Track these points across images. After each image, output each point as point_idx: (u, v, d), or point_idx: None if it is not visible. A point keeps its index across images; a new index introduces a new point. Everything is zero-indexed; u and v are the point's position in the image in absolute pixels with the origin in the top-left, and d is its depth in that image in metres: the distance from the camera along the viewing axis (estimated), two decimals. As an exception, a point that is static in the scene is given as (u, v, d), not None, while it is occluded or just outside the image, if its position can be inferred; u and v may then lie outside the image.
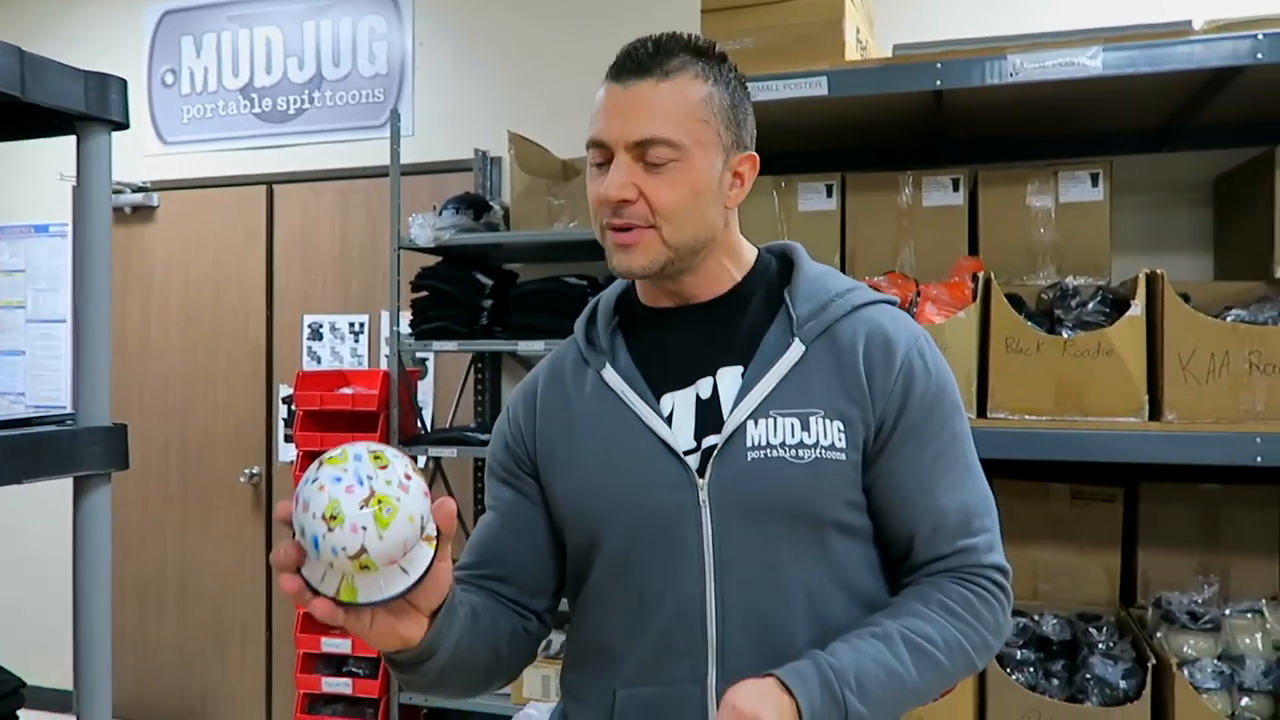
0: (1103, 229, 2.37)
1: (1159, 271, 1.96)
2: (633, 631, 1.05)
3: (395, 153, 2.94)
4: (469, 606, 1.04)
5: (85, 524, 1.17)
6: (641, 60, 1.04)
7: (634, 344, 1.13)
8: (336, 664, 3.01)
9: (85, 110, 1.15)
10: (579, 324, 1.18)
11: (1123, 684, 1.97)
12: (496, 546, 1.13)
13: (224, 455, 3.77)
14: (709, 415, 1.06)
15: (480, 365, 3.35)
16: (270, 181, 3.75)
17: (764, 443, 1.02)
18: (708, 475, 1.03)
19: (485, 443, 2.85)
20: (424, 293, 2.94)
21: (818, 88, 2.12)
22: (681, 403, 1.07)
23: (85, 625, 1.15)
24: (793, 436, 1.02)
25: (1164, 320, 1.92)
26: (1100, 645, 2.08)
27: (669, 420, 1.06)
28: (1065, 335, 2.00)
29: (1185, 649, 2.01)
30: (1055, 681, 2.04)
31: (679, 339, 1.10)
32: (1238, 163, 2.49)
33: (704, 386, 1.07)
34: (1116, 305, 2.07)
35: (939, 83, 2.06)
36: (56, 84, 1.11)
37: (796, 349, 1.06)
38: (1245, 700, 1.91)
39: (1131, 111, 2.42)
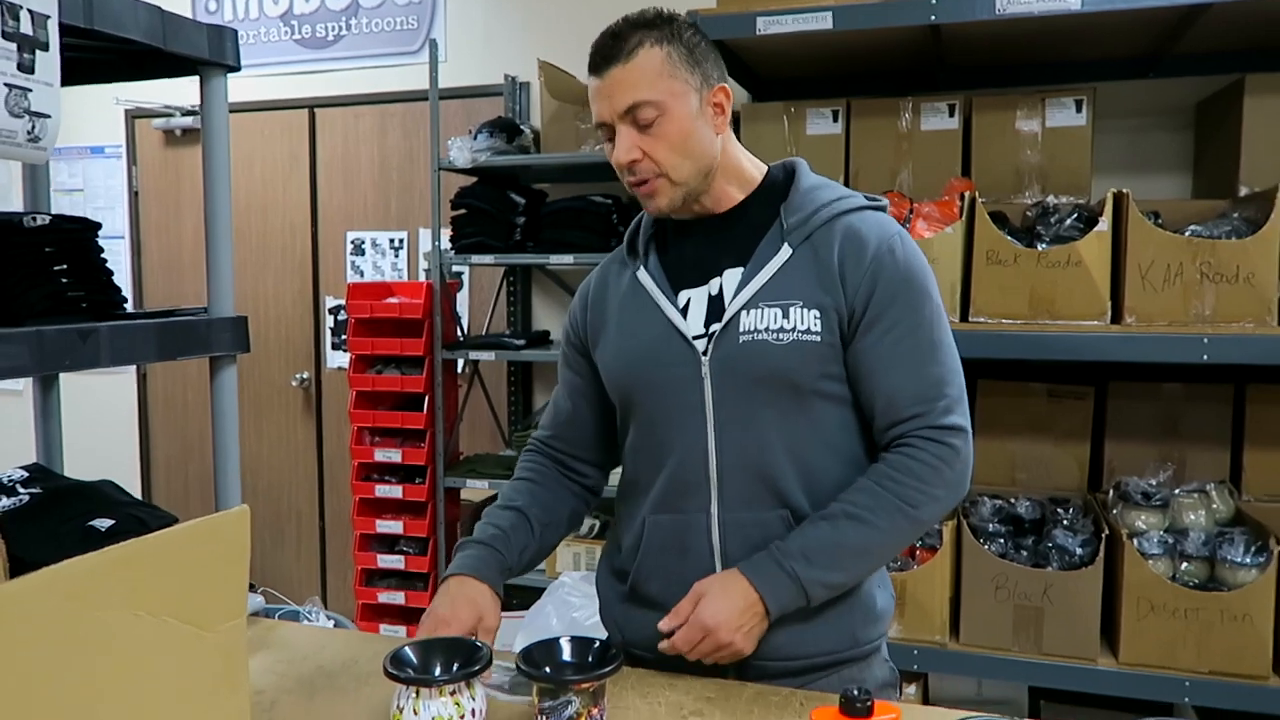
0: (1085, 152, 2.58)
1: (1125, 191, 2.19)
2: (655, 472, 1.35)
3: (434, 79, 3.16)
4: (530, 525, 1.42)
5: (219, 394, 1.46)
6: (606, 52, 1.28)
7: (663, 251, 1.41)
8: (390, 543, 3.37)
9: (208, 57, 1.41)
10: (626, 235, 1.47)
11: (1080, 551, 2.27)
12: (565, 421, 1.48)
13: (277, 362, 4.09)
14: (716, 307, 1.33)
15: (512, 279, 3.62)
16: (312, 106, 3.98)
17: (753, 328, 1.28)
18: (709, 354, 1.31)
19: (519, 347, 3.16)
20: (462, 210, 3.19)
21: (823, 22, 2.32)
22: (696, 297, 1.35)
23: (221, 471, 1.45)
24: (775, 323, 1.27)
25: (1127, 235, 2.16)
26: (1065, 522, 2.37)
27: (685, 311, 1.34)
28: (1040, 248, 2.24)
29: (1137, 523, 2.30)
30: (1024, 552, 2.33)
31: (696, 246, 1.38)
32: (1217, 89, 2.68)
33: (714, 285, 1.34)
34: (1091, 222, 2.29)
35: (933, 17, 2.26)
36: (187, 36, 1.37)
37: (784, 252, 1.30)
38: (1185, 565, 2.20)
39: (1116, 41, 2.60)
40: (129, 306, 1.46)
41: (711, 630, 1.21)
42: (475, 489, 3.28)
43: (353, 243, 3.97)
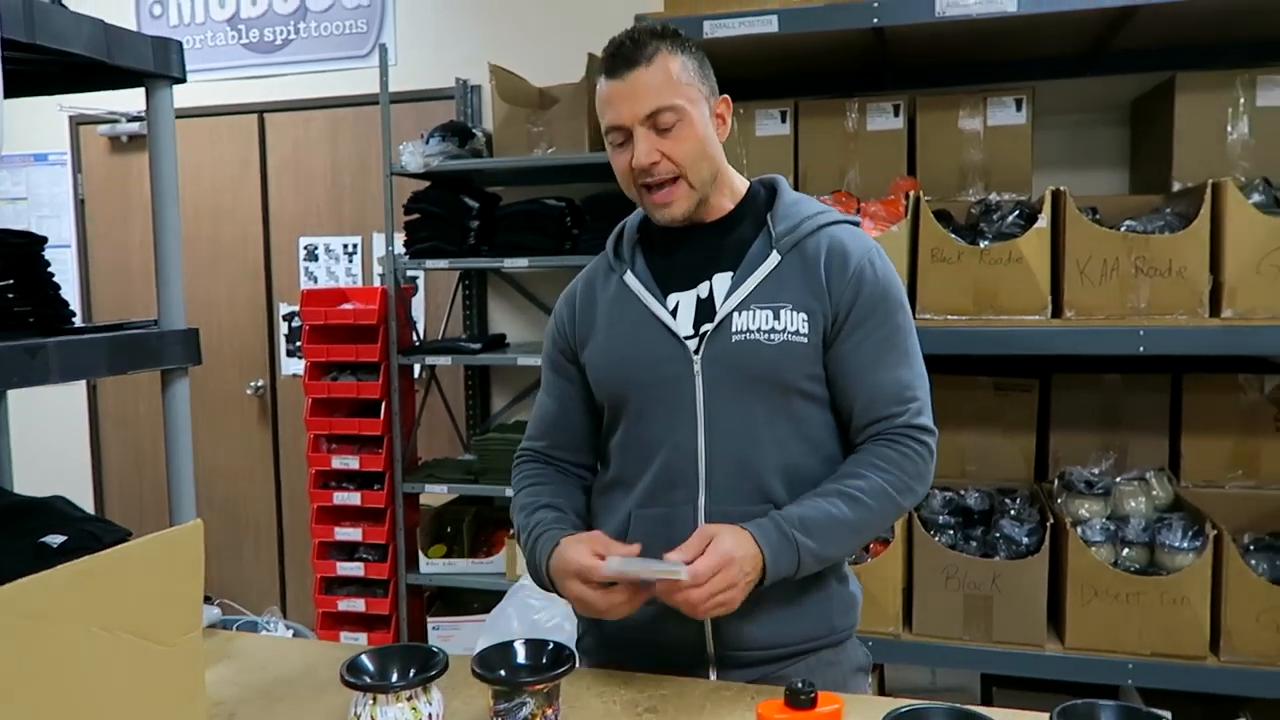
0: (1025, 149, 2.65)
1: (1063, 189, 2.26)
2: (643, 467, 1.38)
3: (384, 84, 3.15)
4: (571, 516, 1.42)
5: (171, 407, 1.46)
6: (628, 55, 1.32)
7: (650, 255, 1.44)
8: (349, 550, 3.35)
9: (153, 69, 1.41)
10: (609, 241, 1.50)
11: (1026, 540, 2.33)
12: (555, 426, 1.50)
13: (231, 371, 4.05)
14: (705, 310, 1.37)
15: (468, 282, 3.62)
16: (261, 110, 3.94)
17: (744, 328, 1.33)
18: (701, 352, 1.35)
19: (475, 351, 3.16)
20: (416, 215, 3.19)
21: (769, 25, 2.37)
22: (685, 300, 1.39)
23: (175, 485, 1.45)
24: (766, 324, 1.33)
25: (1065, 231, 2.23)
26: (1012, 512, 2.43)
27: (674, 313, 1.39)
28: (983, 246, 2.30)
29: (1081, 511, 2.37)
30: (973, 543, 2.40)
31: (685, 252, 1.42)
32: (1150, 86, 2.77)
33: (703, 289, 1.39)
34: (1032, 219, 2.35)
35: (876, 20, 2.31)
36: (132, 48, 1.37)
37: (774, 258, 1.36)
38: (1126, 551, 2.27)
39: (1053, 41, 2.68)
40: (78, 319, 1.45)
41: (730, 561, 1.21)
42: (434, 494, 3.28)
43: (306, 248, 3.94)
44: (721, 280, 1.37)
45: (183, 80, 1.46)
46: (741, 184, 1.45)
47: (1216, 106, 2.50)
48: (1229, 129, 2.50)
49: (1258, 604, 2.11)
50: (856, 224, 1.44)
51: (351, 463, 3.23)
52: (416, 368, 3.52)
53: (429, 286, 3.77)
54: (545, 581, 1.35)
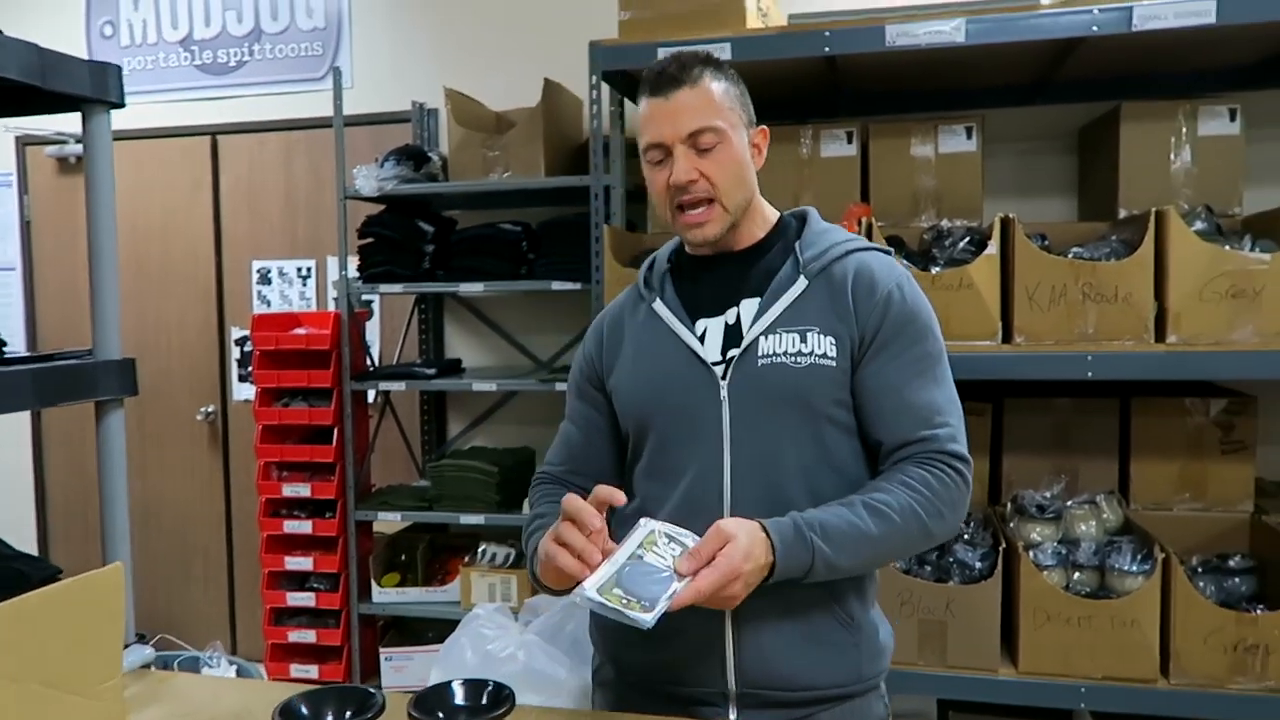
0: (976, 176, 2.69)
1: (1011, 216, 2.28)
2: (667, 494, 1.36)
3: (338, 107, 3.12)
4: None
5: (105, 440, 1.42)
6: (674, 75, 1.33)
7: (679, 283, 1.44)
8: (300, 580, 3.29)
9: (90, 94, 1.37)
10: (641, 271, 1.51)
11: (979, 565, 2.34)
12: (578, 452, 1.49)
13: (180, 396, 3.97)
14: (733, 335, 1.37)
15: (424, 306, 3.58)
16: (214, 132, 3.89)
17: (771, 352, 1.32)
18: (728, 378, 1.34)
19: (430, 377, 3.13)
20: (370, 239, 3.16)
21: (721, 53, 2.37)
22: (713, 326, 1.39)
23: (109, 519, 1.41)
24: (793, 347, 1.32)
25: (1015, 258, 2.25)
26: (965, 536, 2.44)
27: (702, 339, 1.38)
28: (935, 271, 2.32)
29: (1032, 535, 2.38)
30: (927, 568, 2.40)
31: (713, 279, 1.42)
32: (1097, 115, 2.82)
33: (731, 314, 1.38)
34: (982, 245, 2.37)
35: (828, 49, 2.33)
36: (68, 73, 1.33)
37: (801, 283, 1.35)
38: (1077, 574, 2.28)
39: (1002, 70, 2.72)
40: (19, 344, 1.40)
41: (736, 577, 1.16)
42: (388, 521, 3.23)
43: (259, 272, 3.88)
44: (749, 306, 1.37)
45: (121, 105, 1.43)
46: (773, 214, 1.46)
47: (1160, 135, 2.55)
48: (1172, 157, 2.55)
49: (1205, 626, 2.13)
50: (888, 253, 1.43)
51: (303, 490, 3.17)
52: (371, 393, 3.48)
53: (385, 311, 3.73)
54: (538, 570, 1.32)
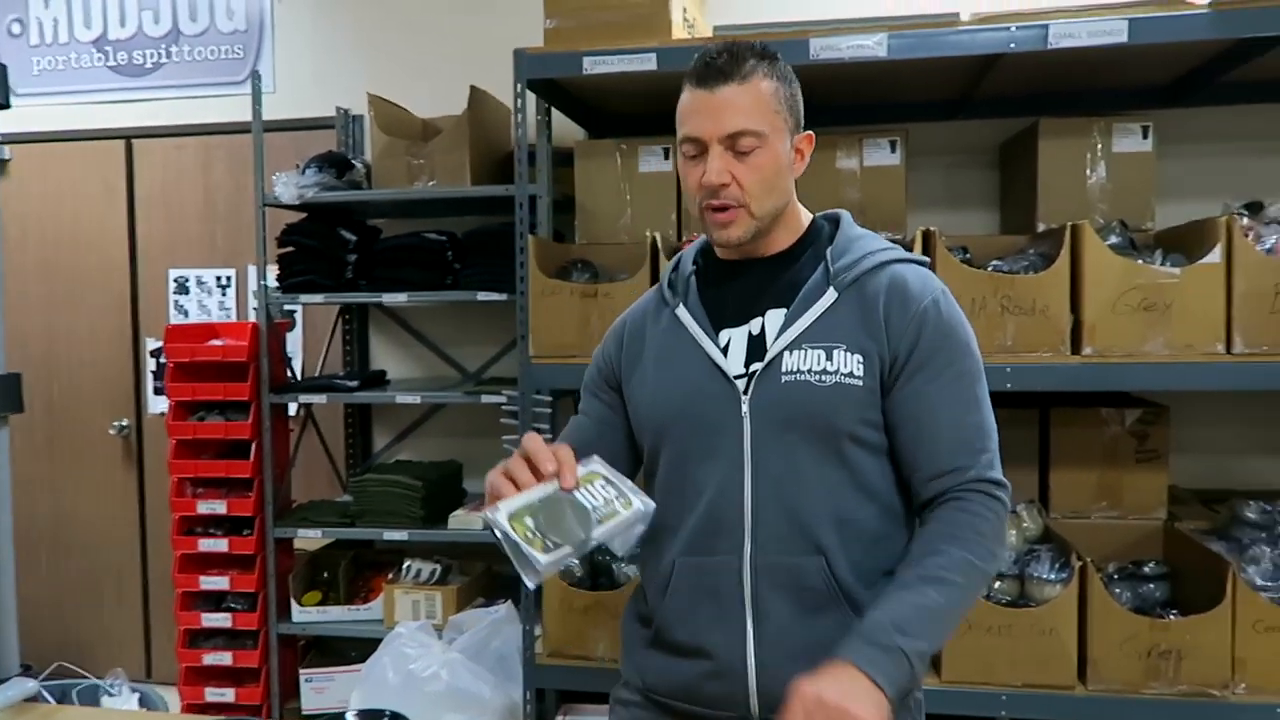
0: (899, 189, 2.71)
1: (933, 229, 2.31)
2: (687, 512, 1.32)
3: (257, 113, 3.04)
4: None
5: (-15, 459, 1.33)
6: (722, 68, 1.26)
7: (704, 289, 1.39)
8: (216, 600, 3.17)
9: (-33, 93, 1.30)
10: (665, 273, 1.44)
11: (903, 575, 2.34)
12: (587, 446, 1.35)
13: (92, 409, 3.82)
14: (757, 347, 1.31)
15: (348, 316, 3.50)
16: (129, 136, 3.76)
17: (795, 369, 1.27)
18: (750, 393, 1.28)
19: (352, 389, 3.05)
20: (290, 248, 3.07)
21: (648, 63, 2.36)
22: (737, 337, 1.33)
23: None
24: (818, 364, 1.27)
25: (935, 270, 2.26)
26: (890, 546, 2.45)
27: (725, 350, 1.33)
28: (858, 283, 2.32)
29: (956, 545, 2.40)
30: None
31: (740, 286, 1.36)
32: (1017, 130, 2.87)
33: (755, 325, 1.33)
34: (905, 257, 2.40)
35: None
36: (-59, 71, 1.26)
37: (830, 295, 1.30)
38: (998, 583, 2.30)
39: (925, 85, 2.76)
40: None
41: (841, 709, 1.06)
42: (308, 538, 3.14)
43: (176, 281, 3.75)
44: (774, 317, 1.32)
45: (6, 106, 1.35)
46: (805, 218, 1.40)
47: (1076, 151, 2.61)
48: (1088, 173, 2.61)
49: (1121, 633, 2.16)
50: (925, 263, 1.37)
51: (218, 507, 3.06)
52: (293, 406, 3.38)
53: (308, 321, 3.64)
54: None
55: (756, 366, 1.29)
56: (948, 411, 1.27)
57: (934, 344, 1.27)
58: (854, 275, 1.30)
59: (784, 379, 1.27)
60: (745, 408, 1.28)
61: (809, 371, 1.27)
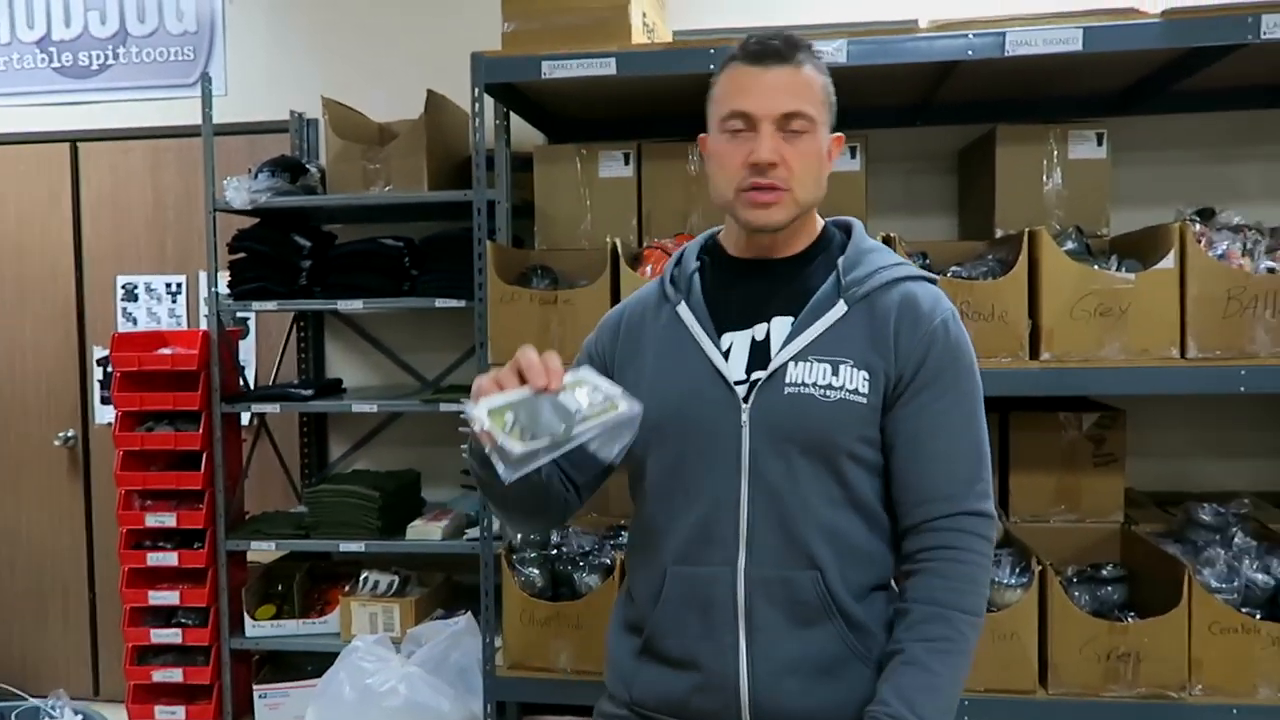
0: (859, 194, 2.71)
1: (893, 235, 2.31)
2: (679, 519, 1.29)
3: (207, 116, 2.96)
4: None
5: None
6: (779, 50, 1.26)
7: (709, 286, 1.35)
8: (165, 615, 3.08)
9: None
10: (667, 265, 1.40)
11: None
12: None
13: (36, 420, 3.70)
14: (759, 354, 1.28)
15: (303, 324, 3.43)
16: (74, 139, 3.65)
17: (800, 381, 1.25)
18: (750, 401, 1.25)
19: (306, 398, 2.98)
20: (242, 254, 3.00)
21: (607, 68, 2.34)
22: (739, 341, 1.30)
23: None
24: (823, 379, 1.24)
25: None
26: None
27: (727, 354, 1.29)
28: (819, 289, 2.32)
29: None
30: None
31: (747, 288, 1.34)
32: (975, 137, 2.89)
33: (759, 330, 1.30)
34: (865, 263, 2.40)
35: (712, 67, 2.29)
36: None
37: (840, 308, 1.28)
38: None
39: (884, 92, 2.76)
40: None
41: None
42: (262, 550, 3.07)
43: (124, 287, 3.65)
44: (780, 324, 1.29)
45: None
46: (819, 223, 1.38)
47: (1033, 158, 2.63)
48: (1044, 179, 2.63)
49: (1080, 636, 2.17)
50: (935, 281, 1.37)
51: (168, 520, 2.98)
52: (245, 416, 3.30)
53: (261, 329, 3.56)
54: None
55: (759, 375, 1.27)
56: (946, 435, 1.28)
57: (940, 365, 1.27)
58: (866, 290, 1.29)
59: (787, 390, 1.25)
60: (745, 416, 1.26)
61: (814, 385, 1.25)
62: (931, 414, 1.27)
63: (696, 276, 1.36)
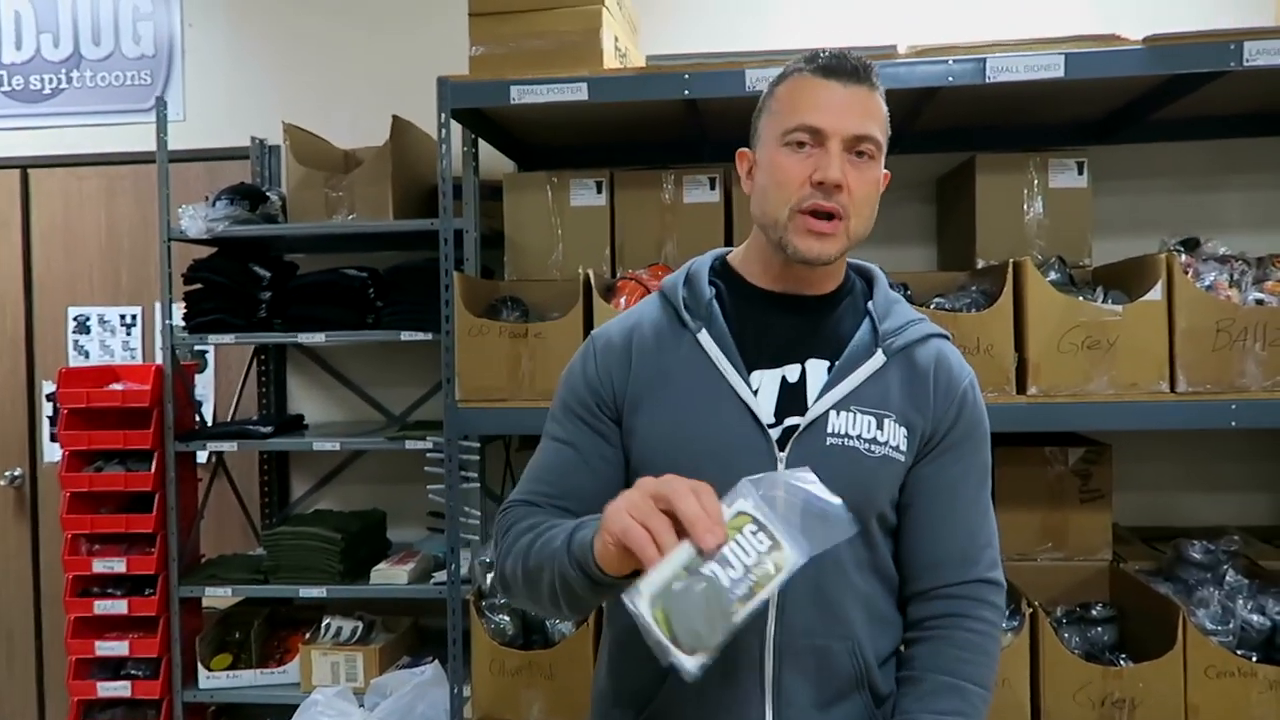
0: (838, 225, 2.65)
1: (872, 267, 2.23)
2: None
3: (162, 142, 2.85)
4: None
5: None
6: (856, 68, 1.17)
7: (730, 316, 1.23)
8: (114, 667, 2.92)
9: None
10: (675, 287, 1.25)
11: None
12: (574, 480, 1.21)
13: (-20, 458, 3.54)
14: (792, 398, 1.18)
15: (264, 357, 3.30)
16: (25, 165, 3.52)
17: (844, 431, 1.16)
18: (788, 449, 1.15)
19: (266, 435, 2.85)
20: (198, 285, 2.88)
21: (579, 93, 2.27)
22: (769, 381, 1.19)
23: None
24: (869, 431, 1.16)
25: (879, 308, 2.20)
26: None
27: (755, 394, 1.18)
28: (799, 322, 2.24)
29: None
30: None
31: (779, 323, 1.22)
32: (954, 165, 2.84)
33: (792, 371, 1.20)
34: (845, 294, 2.33)
35: (687, 92, 2.25)
36: None
37: (879, 358, 1.20)
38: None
39: (862, 120, 2.71)
40: None
41: None
42: (217, 596, 2.92)
43: (76, 320, 3.51)
44: (816, 368, 1.20)
45: None
46: (844, 264, 1.29)
47: (1013, 187, 2.58)
48: (1025, 208, 2.58)
49: (1074, 681, 2.10)
50: (949, 338, 1.31)
51: (117, 565, 2.83)
52: (202, 454, 3.16)
53: (221, 362, 3.43)
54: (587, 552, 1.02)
55: (796, 421, 1.17)
56: (964, 500, 1.23)
57: (967, 428, 1.24)
58: (903, 342, 1.22)
59: (829, 441, 1.16)
60: (781, 466, 1.15)
61: (859, 438, 1.16)
62: (951, 476, 1.22)
63: (715, 304, 1.24)
